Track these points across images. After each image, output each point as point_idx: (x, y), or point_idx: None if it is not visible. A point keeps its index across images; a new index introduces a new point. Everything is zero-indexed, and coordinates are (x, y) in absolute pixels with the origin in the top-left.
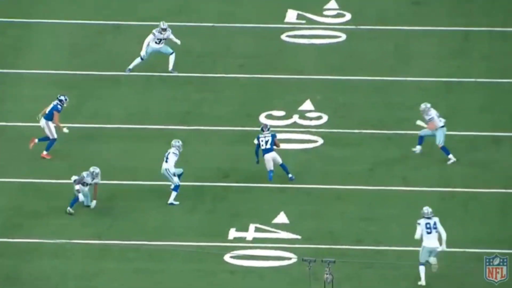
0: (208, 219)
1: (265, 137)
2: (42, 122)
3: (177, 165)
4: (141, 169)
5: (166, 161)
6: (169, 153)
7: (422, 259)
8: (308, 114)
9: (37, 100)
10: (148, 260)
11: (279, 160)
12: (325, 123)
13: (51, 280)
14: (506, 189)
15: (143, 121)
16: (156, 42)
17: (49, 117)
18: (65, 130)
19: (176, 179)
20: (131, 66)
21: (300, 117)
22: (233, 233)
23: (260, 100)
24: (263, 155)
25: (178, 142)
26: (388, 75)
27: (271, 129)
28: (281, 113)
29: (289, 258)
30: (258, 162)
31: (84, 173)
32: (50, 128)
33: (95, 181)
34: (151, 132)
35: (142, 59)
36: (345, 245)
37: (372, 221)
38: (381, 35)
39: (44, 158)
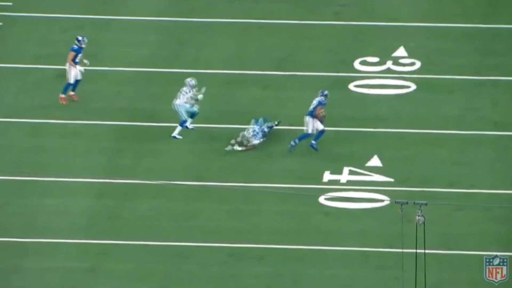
0: (303, 162)
1: (315, 100)
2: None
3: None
4: (237, 113)
5: (177, 98)
6: (180, 91)
7: None
8: (401, 61)
9: (139, 46)
10: (244, 202)
11: (318, 127)
12: (418, 69)
13: (151, 220)
14: None
15: (240, 67)
16: None
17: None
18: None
19: (184, 115)
20: None
21: (393, 63)
22: (327, 176)
23: (355, 47)
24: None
25: (191, 80)
26: (481, 22)
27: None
28: (375, 59)
29: (382, 201)
30: None
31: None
32: (70, 72)
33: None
34: (248, 78)
35: None
36: (437, 188)
37: (463, 165)
38: None
39: (61, 100)
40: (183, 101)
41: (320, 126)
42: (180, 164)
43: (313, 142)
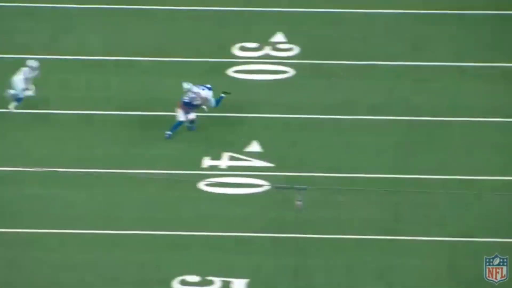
0: (183, 148)
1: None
2: None
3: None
4: (109, 98)
5: (17, 75)
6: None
7: None
8: (280, 46)
9: (14, 33)
10: (124, 188)
11: (189, 116)
12: (297, 54)
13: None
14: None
15: (117, 53)
16: None
17: None
18: None
19: (22, 93)
20: None
21: (272, 49)
22: (207, 162)
23: (234, 32)
24: None
25: (32, 63)
26: (361, 7)
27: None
28: (254, 44)
29: (262, 186)
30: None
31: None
32: None
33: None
34: (124, 63)
35: None
36: (317, 172)
37: (343, 149)
38: None
39: None
40: (20, 77)
41: (192, 116)
42: (62, 151)
43: (170, 132)
